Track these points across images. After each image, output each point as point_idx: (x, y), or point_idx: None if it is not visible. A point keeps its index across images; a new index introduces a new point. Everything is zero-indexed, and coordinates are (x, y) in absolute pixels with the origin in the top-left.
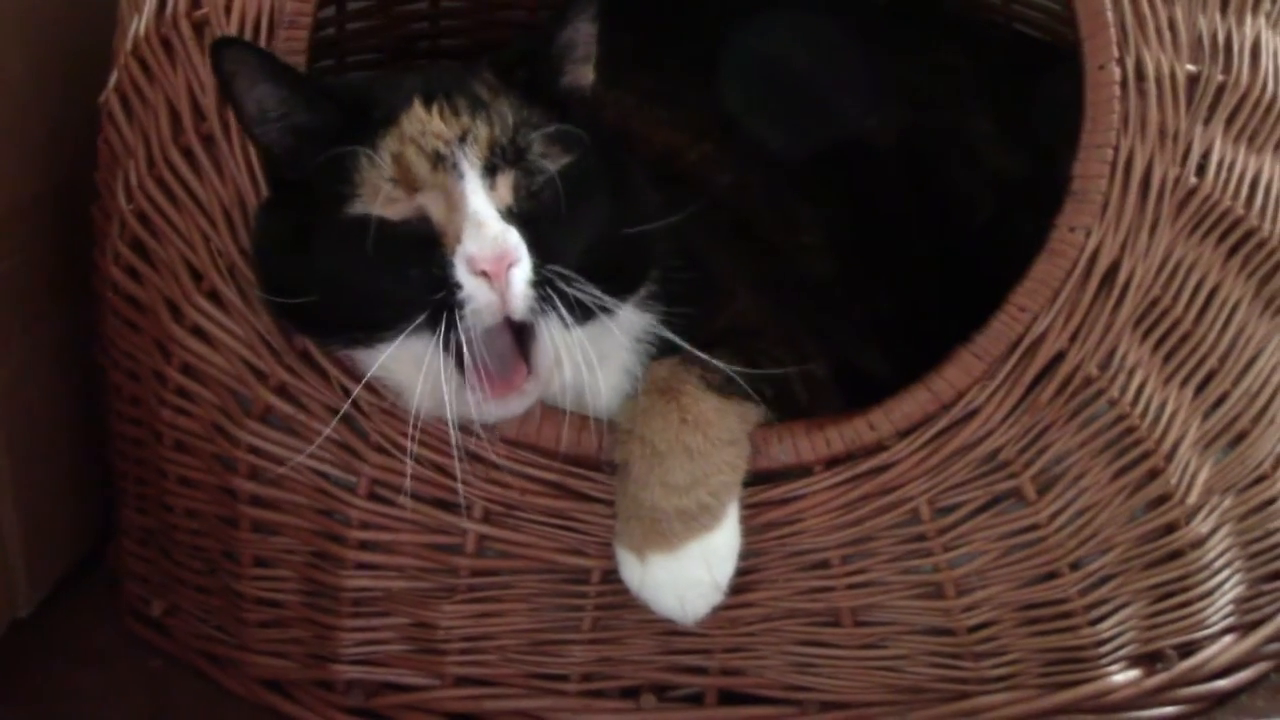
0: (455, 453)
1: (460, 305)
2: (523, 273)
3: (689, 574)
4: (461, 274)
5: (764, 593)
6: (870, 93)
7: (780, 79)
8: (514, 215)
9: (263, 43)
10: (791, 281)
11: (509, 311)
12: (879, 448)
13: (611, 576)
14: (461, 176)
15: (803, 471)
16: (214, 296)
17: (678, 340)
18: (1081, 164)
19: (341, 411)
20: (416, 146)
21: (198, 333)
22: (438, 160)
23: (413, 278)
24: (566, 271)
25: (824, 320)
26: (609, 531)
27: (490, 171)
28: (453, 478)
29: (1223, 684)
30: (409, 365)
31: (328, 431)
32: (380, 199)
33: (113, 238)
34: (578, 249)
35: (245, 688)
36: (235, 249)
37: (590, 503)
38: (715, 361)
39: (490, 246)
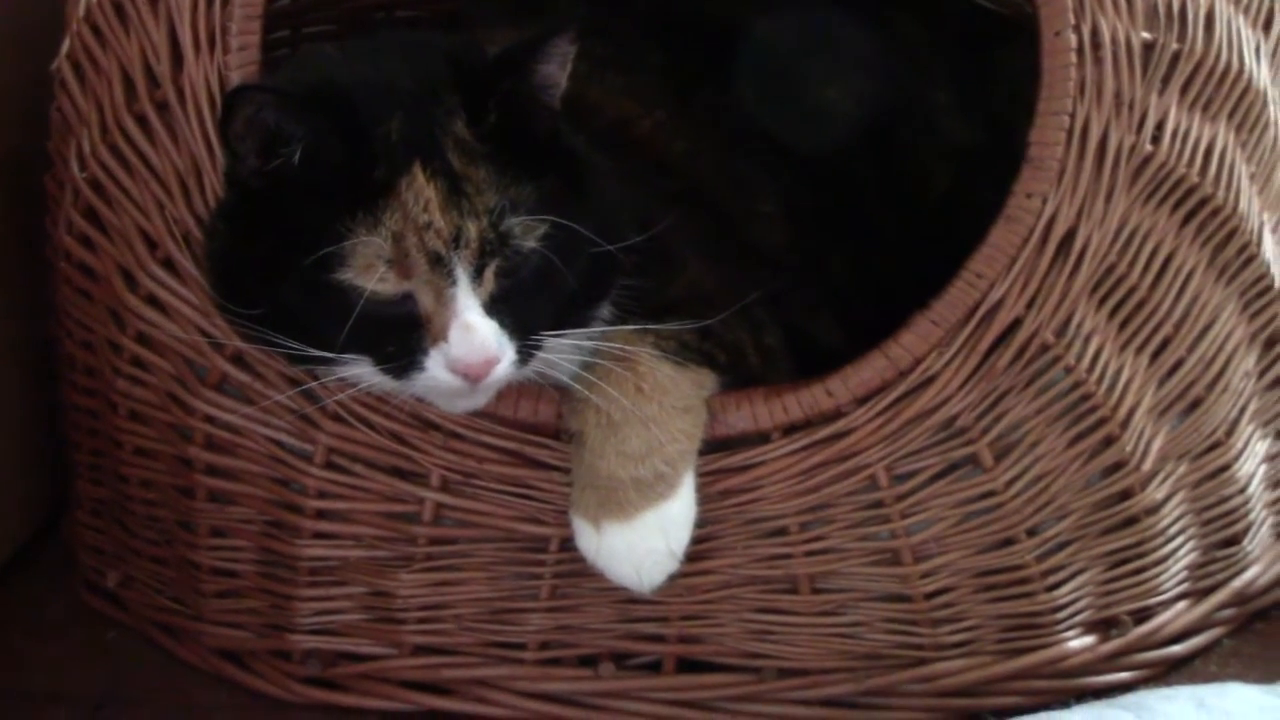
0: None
1: (427, 381)
2: (504, 368)
3: (645, 543)
4: (437, 365)
5: (722, 560)
6: (828, 64)
7: (738, 49)
8: (495, 301)
9: (217, 9)
10: (745, 250)
11: (478, 390)
12: (837, 414)
13: (569, 545)
14: (455, 283)
15: (760, 438)
16: (169, 265)
17: (631, 316)
18: (1038, 131)
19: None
20: (418, 239)
21: (153, 301)
22: (436, 261)
23: (388, 352)
24: (543, 339)
25: (777, 289)
26: (567, 499)
27: (479, 271)
28: (410, 446)
29: (1177, 649)
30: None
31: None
32: (373, 277)
33: (65, 206)
34: (556, 304)
35: (201, 658)
36: (191, 217)
37: (548, 471)
38: (669, 328)
39: (476, 352)
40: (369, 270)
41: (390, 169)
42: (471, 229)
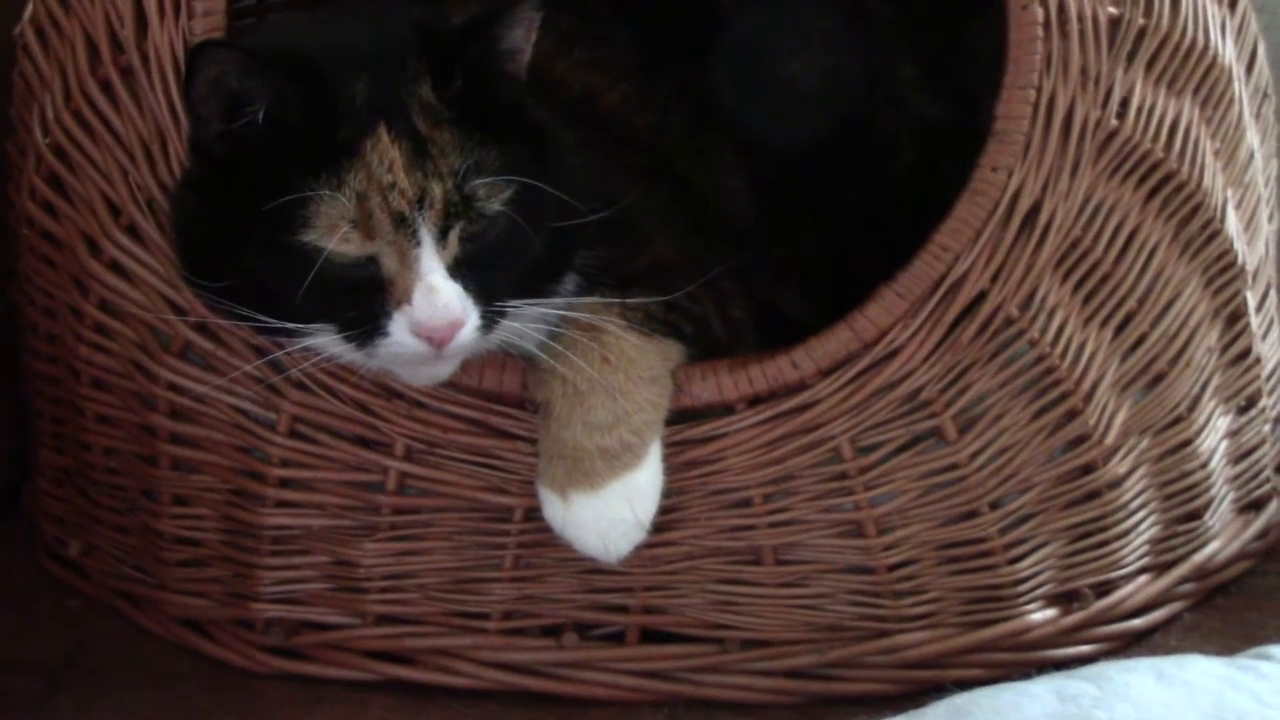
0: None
1: (391, 347)
2: (468, 331)
3: (612, 512)
4: (401, 329)
5: (686, 531)
6: (793, 39)
7: (704, 24)
8: (460, 265)
9: None
10: (711, 223)
11: (442, 357)
12: (801, 386)
13: (534, 515)
14: (419, 244)
15: (725, 410)
16: (133, 231)
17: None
18: (1004, 104)
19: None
20: (382, 199)
21: (116, 268)
22: (400, 221)
23: (351, 318)
24: (508, 305)
25: (743, 262)
26: (531, 469)
27: (444, 233)
28: (374, 414)
29: (1137, 623)
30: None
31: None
32: (336, 237)
33: (28, 173)
34: (520, 271)
35: (164, 627)
36: (155, 183)
37: (513, 440)
38: (635, 299)
39: (440, 315)
40: (332, 231)
41: (355, 130)
42: (436, 190)
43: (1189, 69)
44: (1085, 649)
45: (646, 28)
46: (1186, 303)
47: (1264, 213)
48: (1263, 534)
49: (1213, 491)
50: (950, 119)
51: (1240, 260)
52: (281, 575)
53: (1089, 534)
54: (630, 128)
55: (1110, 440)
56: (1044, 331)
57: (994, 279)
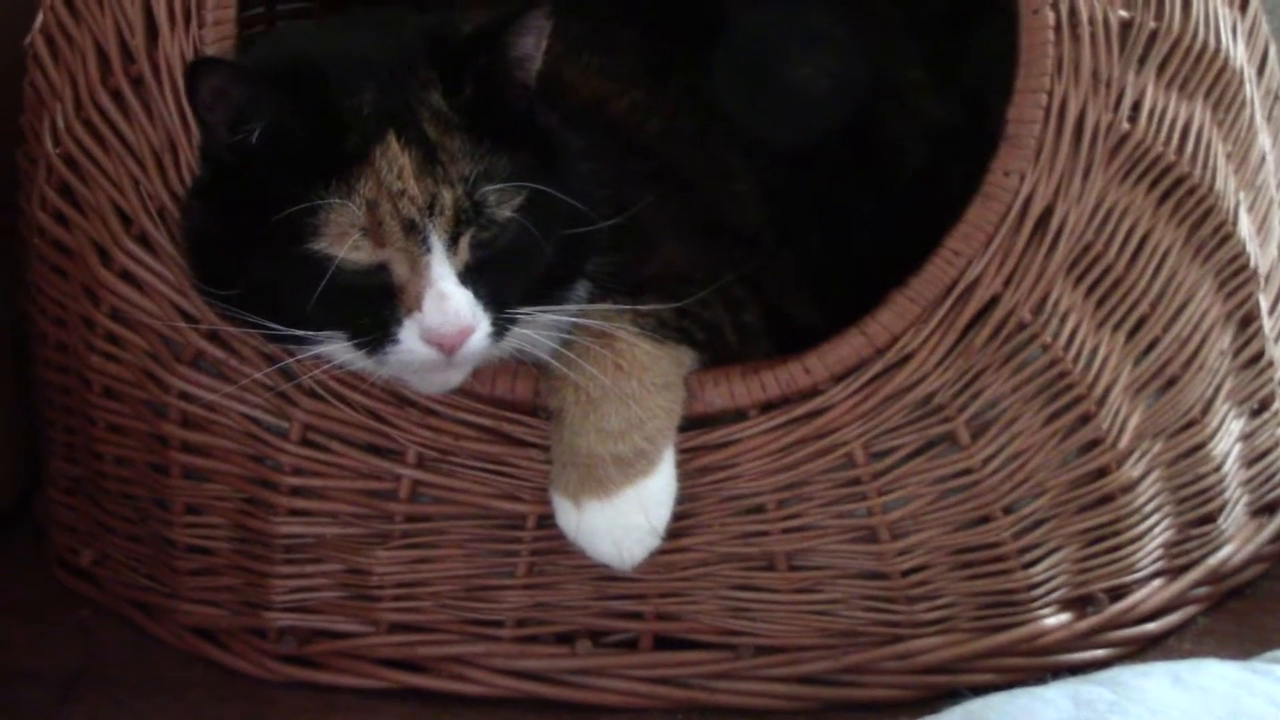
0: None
1: (402, 354)
2: (479, 338)
3: (625, 519)
4: (411, 336)
5: (699, 537)
6: (801, 42)
7: (711, 29)
8: (470, 272)
9: None
10: (721, 229)
11: (453, 364)
12: (814, 392)
13: (546, 522)
14: (429, 250)
15: (738, 416)
16: (143, 240)
17: (607, 299)
18: (1016, 108)
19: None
20: (392, 206)
21: (127, 277)
22: (410, 228)
23: (362, 325)
24: (519, 313)
25: (754, 267)
26: (544, 477)
27: (454, 240)
28: (386, 422)
29: (1151, 627)
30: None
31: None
32: (347, 245)
33: (39, 182)
34: (531, 278)
35: (176, 636)
36: (166, 192)
37: (525, 448)
38: (647, 306)
39: (451, 322)
40: (343, 238)
41: (363, 138)
42: (446, 196)
43: (1200, 72)
44: (1100, 653)
45: (655, 33)
46: (1199, 306)
47: (1276, 215)
48: (1277, 537)
49: (1226, 495)
50: (958, 122)
51: (1253, 263)
52: (294, 583)
53: (1103, 538)
54: (640, 133)
55: (1124, 444)
56: (1057, 336)
57: (1006, 283)
